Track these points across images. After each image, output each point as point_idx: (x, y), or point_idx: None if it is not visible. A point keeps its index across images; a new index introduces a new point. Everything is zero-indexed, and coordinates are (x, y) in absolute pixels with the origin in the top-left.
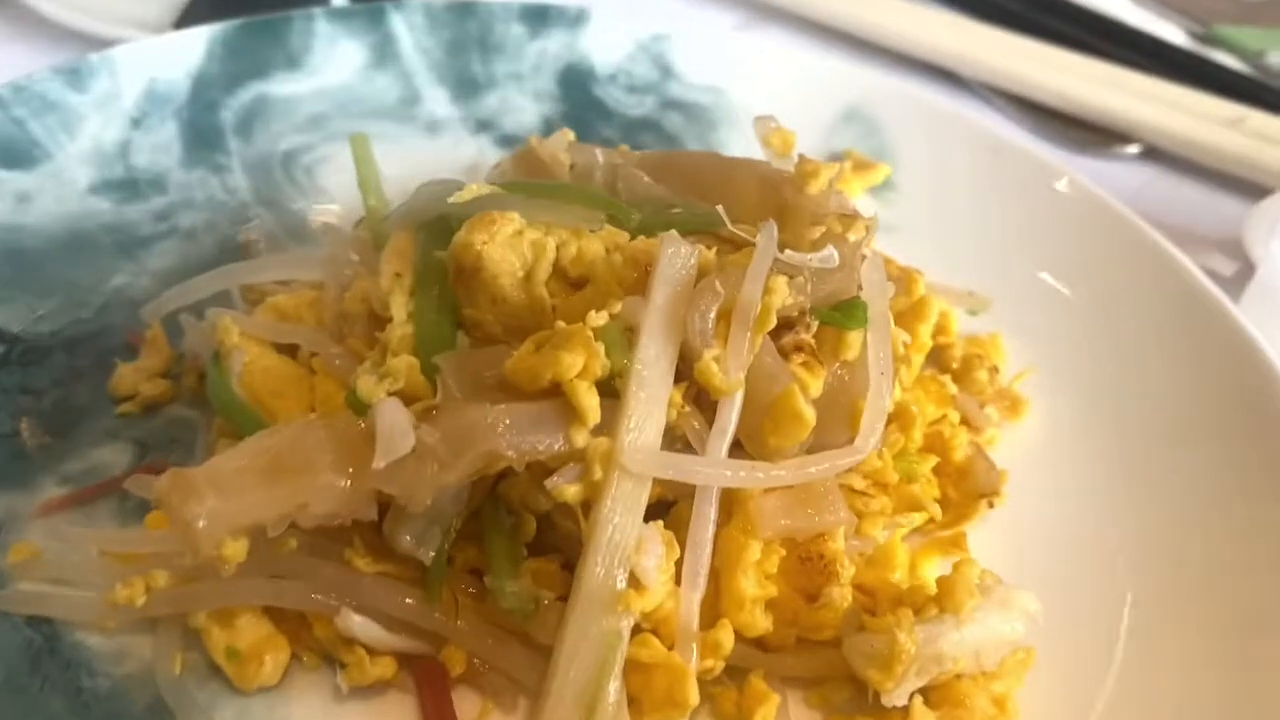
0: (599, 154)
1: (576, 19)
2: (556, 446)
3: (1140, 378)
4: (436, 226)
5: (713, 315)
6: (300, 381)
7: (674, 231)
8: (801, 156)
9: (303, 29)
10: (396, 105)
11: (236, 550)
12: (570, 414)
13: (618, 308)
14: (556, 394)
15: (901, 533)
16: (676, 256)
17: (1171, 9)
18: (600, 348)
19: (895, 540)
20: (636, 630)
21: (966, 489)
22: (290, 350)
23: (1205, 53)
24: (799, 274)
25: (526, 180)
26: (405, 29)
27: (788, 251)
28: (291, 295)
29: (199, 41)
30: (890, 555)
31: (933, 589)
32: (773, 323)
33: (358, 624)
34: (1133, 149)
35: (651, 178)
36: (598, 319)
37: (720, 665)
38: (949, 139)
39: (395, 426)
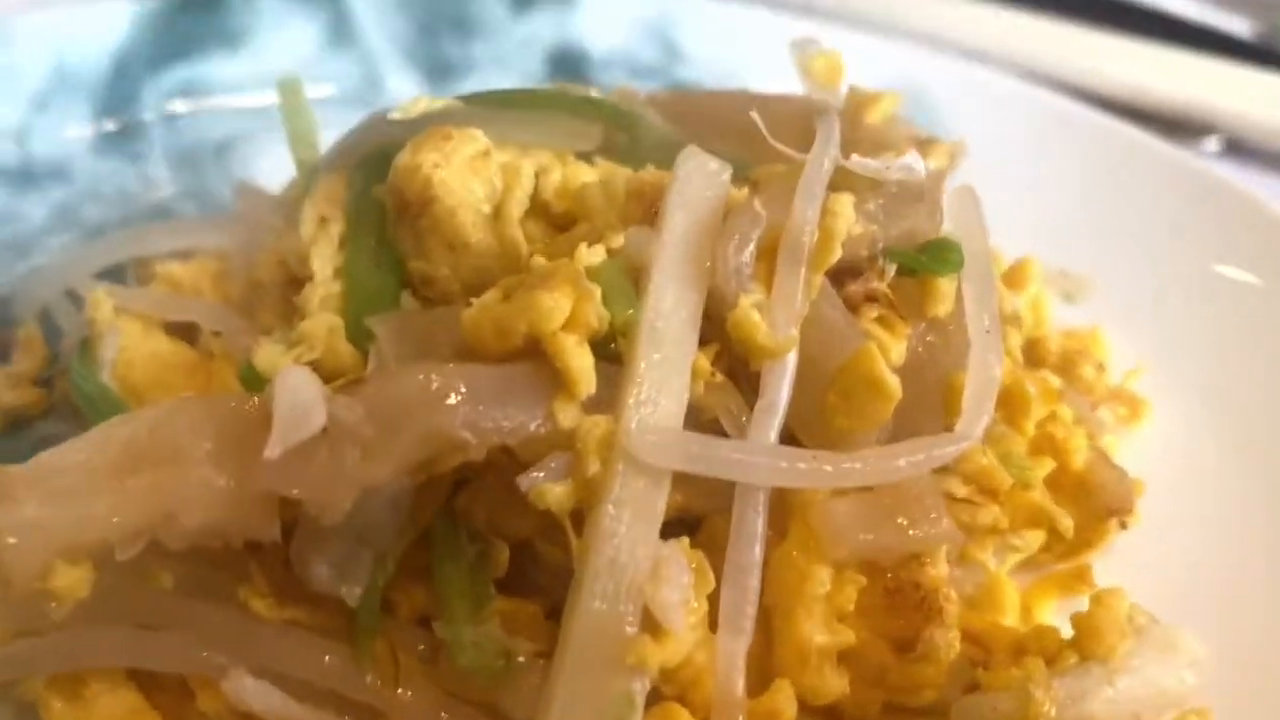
0: (594, 95)
1: None
2: (533, 425)
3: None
4: (375, 161)
5: (751, 248)
6: (195, 370)
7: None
8: (852, 86)
9: (243, 5)
10: (357, 89)
11: (73, 582)
12: (553, 381)
13: (618, 241)
14: (535, 355)
15: (1012, 562)
16: (699, 171)
17: (1230, 6)
18: (595, 292)
19: (1003, 574)
20: (655, 697)
21: (1091, 506)
22: (188, 334)
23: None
24: (867, 200)
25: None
26: (365, 6)
27: (855, 157)
28: (190, 265)
29: (121, 15)
30: (997, 594)
31: (1063, 632)
32: (835, 255)
33: (254, 691)
34: (1212, 145)
35: (664, 119)
36: (592, 255)
37: None
38: (1009, 111)
39: (299, 397)
